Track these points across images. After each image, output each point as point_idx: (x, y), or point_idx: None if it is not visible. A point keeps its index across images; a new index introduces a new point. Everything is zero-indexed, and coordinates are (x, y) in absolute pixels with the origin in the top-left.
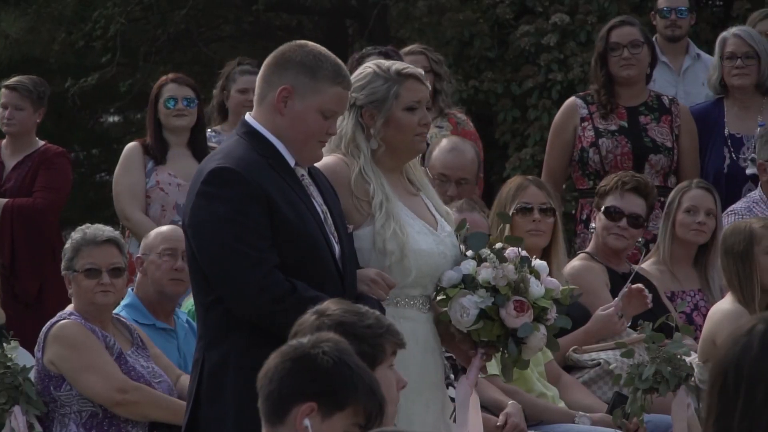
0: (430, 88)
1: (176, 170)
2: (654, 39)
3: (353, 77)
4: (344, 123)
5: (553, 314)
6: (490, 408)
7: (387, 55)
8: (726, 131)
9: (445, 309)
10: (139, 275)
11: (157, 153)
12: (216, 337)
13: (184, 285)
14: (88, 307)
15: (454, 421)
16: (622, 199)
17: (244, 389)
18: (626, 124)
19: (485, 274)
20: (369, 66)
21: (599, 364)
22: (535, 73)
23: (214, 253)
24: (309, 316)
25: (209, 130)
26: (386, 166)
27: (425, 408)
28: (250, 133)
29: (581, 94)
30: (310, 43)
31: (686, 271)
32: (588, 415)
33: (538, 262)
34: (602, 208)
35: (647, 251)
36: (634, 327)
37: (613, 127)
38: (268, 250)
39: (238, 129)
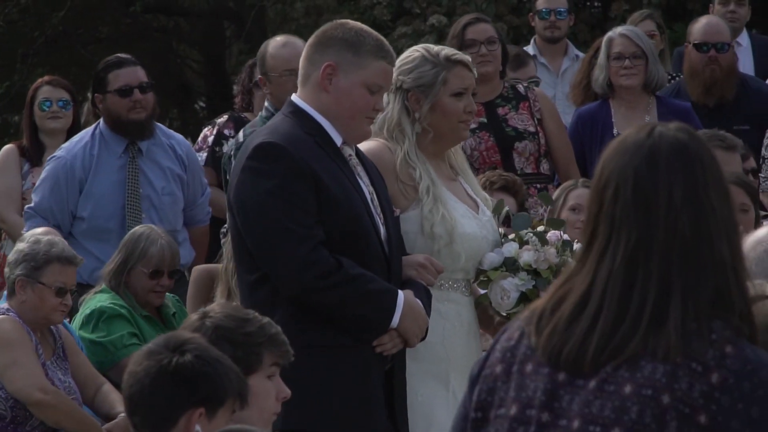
0: (476, 75)
1: None
2: (533, 40)
3: (400, 60)
4: (389, 106)
5: None
6: None
7: None
8: (615, 131)
9: (485, 291)
10: None
11: (32, 155)
12: (262, 314)
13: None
14: (40, 319)
15: None
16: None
17: (292, 367)
18: (485, 120)
19: (527, 257)
20: (417, 49)
21: None
22: None
23: (260, 228)
24: (193, 315)
25: None
26: (429, 151)
27: None
28: (296, 112)
29: None
30: (351, 21)
31: None
32: None
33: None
34: None
35: None
36: None
37: (473, 126)
38: (313, 226)
39: (284, 109)
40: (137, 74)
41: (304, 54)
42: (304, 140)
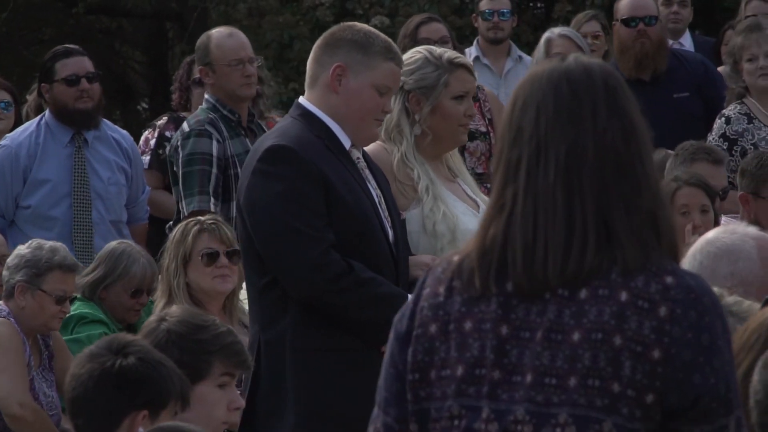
0: (477, 80)
1: None
2: (476, 41)
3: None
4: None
5: None
6: None
7: None
8: None
9: None
10: None
11: None
12: (271, 319)
13: None
14: (39, 326)
15: None
16: None
17: (302, 371)
18: None
19: None
20: (420, 51)
21: None
22: None
23: (269, 231)
24: (153, 317)
25: None
26: (427, 153)
27: None
28: (305, 114)
29: None
30: (358, 23)
31: None
32: None
33: None
34: None
35: None
36: None
37: None
38: (324, 228)
39: (293, 111)
40: (84, 64)
41: (311, 56)
42: (314, 143)
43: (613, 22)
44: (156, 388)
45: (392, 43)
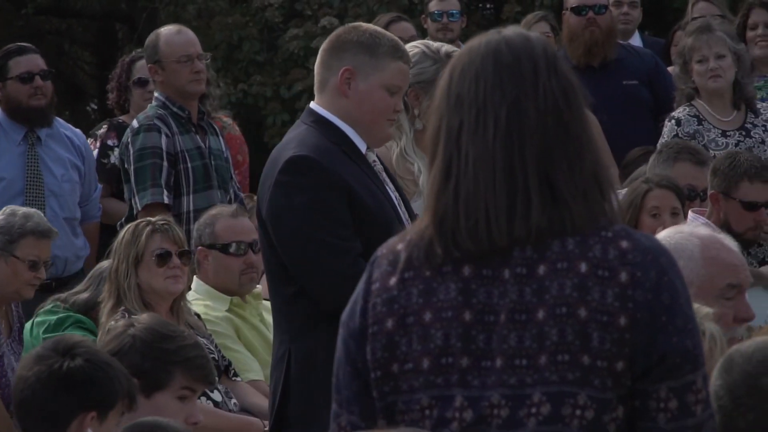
0: None
1: None
2: None
3: None
4: None
5: None
6: (254, 413)
7: None
8: None
9: None
10: None
11: None
12: (302, 329)
13: None
14: (11, 293)
15: None
16: None
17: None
18: None
19: None
20: (417, 45)
21: None
22: (305, 77)
23: (297, 244)
24: (121, 321)
25: None
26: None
27: None
28: (319, 121)
29: None
30: (363, 23)
31: None
32: None
33: None
34: None
35: None
36: None
37: None
38: (351, 238)
39: (305, 118)
40: (38, 62)
41: (319, 60)
42: (332, 150)
43: (563, 11)
44: (104, 389)
45: (399, 41)
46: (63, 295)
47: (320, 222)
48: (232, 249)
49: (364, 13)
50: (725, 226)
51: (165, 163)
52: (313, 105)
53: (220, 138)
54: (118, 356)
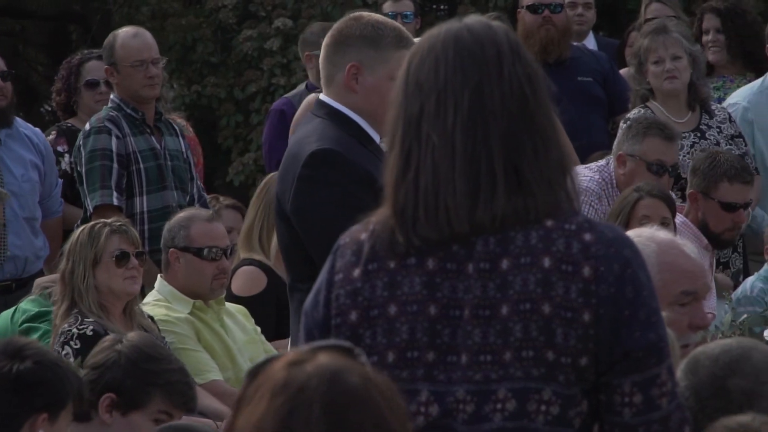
0: None
1: None
2: None
3: None
4: None
5: None
6: (210, 416)
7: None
8: None
9: None
10: None
11: None
12: None
13: None
14: None
15: None
16: None
17: None
18: None
19: None
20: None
21: None
22: (258, 78)
23: (325, 238)
24: (110, 336)
25: None
26: None
27: None
28: (332, 113)
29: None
30: (364, 13)
31: None
32: None
33: None
34: None
35: None
36: None
37: None
38: None
39: (317, 110)
40: None
41: (322, 55)
42: (351, 142)
43: (518, 9)
44: (54, 389)
45: (402, 28)
46: (50, 288)
47: (348, 215)
48: (206, 253)
49: (318, 14)
50: (703, 226)
51: (115, 165)
52: (322, 97)
53: (180, 138)
54: (101, 369)
